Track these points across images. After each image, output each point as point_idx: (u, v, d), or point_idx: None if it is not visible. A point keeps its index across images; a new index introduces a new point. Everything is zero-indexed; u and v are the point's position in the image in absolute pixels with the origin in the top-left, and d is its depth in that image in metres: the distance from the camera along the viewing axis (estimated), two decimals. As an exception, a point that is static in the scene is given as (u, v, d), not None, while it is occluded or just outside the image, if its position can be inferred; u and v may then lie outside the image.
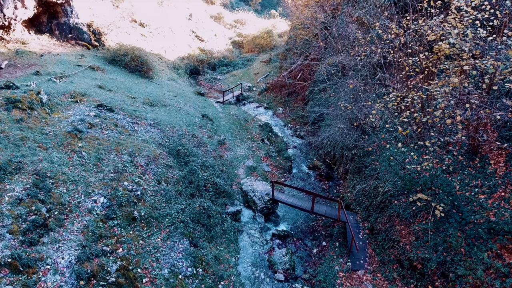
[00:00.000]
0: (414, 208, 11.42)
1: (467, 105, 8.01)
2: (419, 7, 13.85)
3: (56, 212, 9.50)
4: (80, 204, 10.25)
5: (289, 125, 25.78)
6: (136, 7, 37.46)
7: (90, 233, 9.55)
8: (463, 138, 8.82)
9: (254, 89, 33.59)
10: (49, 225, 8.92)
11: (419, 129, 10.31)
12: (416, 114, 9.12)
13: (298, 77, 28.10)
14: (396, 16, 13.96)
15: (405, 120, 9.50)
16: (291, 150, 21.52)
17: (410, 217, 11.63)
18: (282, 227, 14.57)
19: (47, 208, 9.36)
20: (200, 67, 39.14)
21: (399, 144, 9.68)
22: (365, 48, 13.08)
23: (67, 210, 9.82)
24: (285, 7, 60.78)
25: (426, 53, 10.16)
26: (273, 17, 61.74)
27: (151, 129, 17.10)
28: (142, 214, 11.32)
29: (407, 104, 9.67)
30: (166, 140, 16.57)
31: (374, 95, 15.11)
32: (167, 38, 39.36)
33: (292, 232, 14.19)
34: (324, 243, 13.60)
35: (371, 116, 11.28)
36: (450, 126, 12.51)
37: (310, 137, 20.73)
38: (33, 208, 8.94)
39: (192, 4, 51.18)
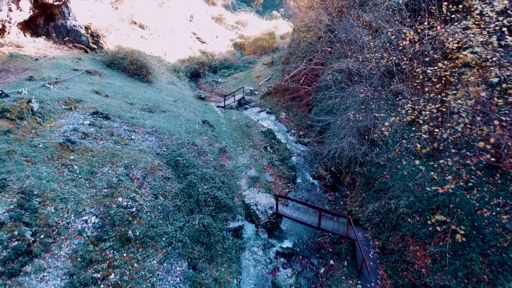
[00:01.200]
0: (430, 228, 10.57)
1: (496, 122, 7.18)
2: (431, 9, 13.04)
3: (42, 236, 8.72)
4: (69, 225, 9.46)
5: (293, 130, 24.97)
6: (136, 9, 36.78)
7: (79, 259, 8.76)
8: (492, 159, 7.96)
9: (256, 92, 32.79)
10: (33, 252, 8.14)
11: (440, 147, 9.49)
12: (437, 130, 8.28)
13: (301, 81, 27.28)
14: (408, 20, 13.13)
15: (424, 136, 8.67)
16: (294, 158, 20.71)
17: (425, 237, 10.80)
18: (287, 243, 13.74)
19: (32, 232, 8.58)
20: (201, 69, 38.39)
21: (417, 161, 8.85)
22: (376, 54, 12.26)
23: (54, 233, 9.03)
24: (287, 8, 60.03)
25: (446, 62, 9.33)
26: (274, 18, 60.95)
27: (149, 137, 16.31)
28: (137, 233, 10.52)
29: (425, 117, 8.83)
30: (165, 149, 15.78)
31: (384, 104, 14.28)
32: (167, 40, 38.64)
33: (297, 249, 13.36)
34: (331, 262, 12.78)
35: (383, 129, 10.44)
36: (466, 138, 11.69)
37: (315, 145, 19.87)
38: (16, 233, 8.15)
39: (193, 5, 50.49)
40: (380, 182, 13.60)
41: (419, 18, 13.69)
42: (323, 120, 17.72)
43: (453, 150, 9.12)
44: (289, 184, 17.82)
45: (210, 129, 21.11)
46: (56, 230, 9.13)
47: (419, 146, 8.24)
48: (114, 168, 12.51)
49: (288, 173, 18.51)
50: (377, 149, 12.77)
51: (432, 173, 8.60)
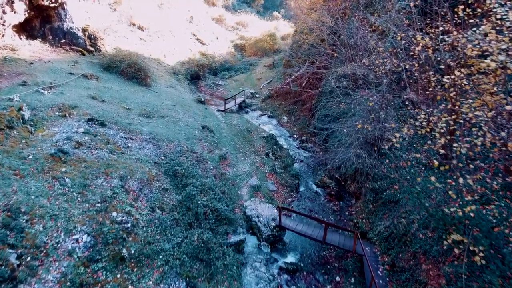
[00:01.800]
0: (444, 246, 9.91)
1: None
2: (441, 12, 12.40)
3: (28, 258, 8.08)
4: (59, 245, 8.82)
5: (295, 135, 24.32)
6: (135, 10, 36.13)
7: (68, 283, 8.13)
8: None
9: (257, 95, 32.15)
10: (18, 277, 7.50)
11: (460, 165, 8.84)
12: (455, 145, 7.64)
13: (304, 84, 26.62)
14: (418, 23, 12.47)
15: (441, 151, 8.04)
16: (297, 164, 20.06)
17: (439, 255, 10.15)
18: (290, 258, 13.10)
19: (17, 254, 7.94)
20: (201, 72, 37.73)
21: (432, 178, 8.20)
22: (386, 60, 11.61)
23: (42, 254, 8.40)
24: (288, 9, 59.42)
25: (462, 70, 8.69)
26: (275, 19, 60.32)
27: (146, 145, 15.67)
28: (132, 252, 9.88)
29: (441, 130, 8.20)
30: (163, 158, 15.13)
31: (391, 110, 13.63)
32: (167, 42, 38.00)
33: (301, 265, 12.71)
34: (337, 278, 12.13)
35: (394, 140, 9.80)
36: (479, 149, 11.03)
37: (319, 154, 19.19)
38: (-1, 257, 7.51)
39: (193, 6, 49.84)
40: (389, 194, 12.94)
41: (428, 21, 13.06)
42: (327, 127, 17.02)
43: (471, 167, 8.45)
44: (292, 193, 17.17)
45: (210, 134, 20.48)
46: (44, 251, 8.49)
47: (436, 163, 7.59)
48: (109, 179, 11.87)
49: (291, 181, 17.86)
50: (387, 161, 12.10)
51: (450, 192, 7.93)
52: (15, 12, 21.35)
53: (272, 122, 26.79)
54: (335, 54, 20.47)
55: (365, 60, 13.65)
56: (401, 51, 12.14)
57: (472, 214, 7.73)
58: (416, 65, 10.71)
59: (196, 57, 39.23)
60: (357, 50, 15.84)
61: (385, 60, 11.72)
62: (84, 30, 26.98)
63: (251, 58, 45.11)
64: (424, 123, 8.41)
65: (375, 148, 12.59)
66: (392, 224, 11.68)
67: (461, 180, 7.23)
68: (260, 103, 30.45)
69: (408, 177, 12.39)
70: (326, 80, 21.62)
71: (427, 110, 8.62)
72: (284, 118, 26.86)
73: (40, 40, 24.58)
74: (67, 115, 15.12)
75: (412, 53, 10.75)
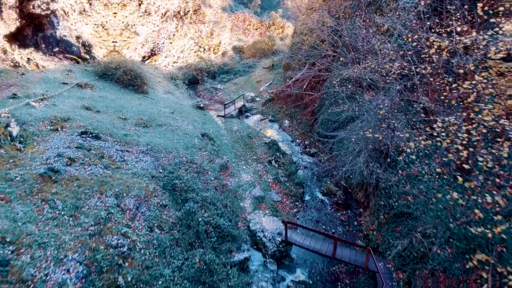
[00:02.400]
0: (466, 265, 9.15)
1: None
2: (451, 10, 11.66)
3: (13, 296, 7.35)
4: (48, 278, 8.09)
5: (298, 140, 23.57)
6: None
7: (58, 321, 7.40)
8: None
9: (257, 99, 31.41)
10: (0, 319, 6.77)
11: (489, 181, 8.11)
12: (480, 159, 6.90)
13: (305, 86, 25.87)
14: (428, 23, 11.72)
15: (466, 166, 7.30)
16: (301, 171, 19.31)
17: (460, 274, 9.38)
18: (299, 275, 12.36)
19: (1, 292, 7.22)
20: (199, 76, 37.01)
21: (455, 194, 7.46)
22: (395, 64, 10.87)
23: (29, 289, 7.67)
24: (285, 9, 58.72)
25: (483, 74, 7.95)
26: (273, 19, 59.49)
27: (143, 157, 14.95)
28: (129, 279, 9.15)
29: (463, 141, 7.46)
30: (161, 171, 14.41)
31: (404, 117, 12.88)
32: (163, 46, 37.26)
33: (310, 282, 11.96)
34: (349, 297, 11.39)
35: (408, 150, 9.06)
36: (505, 162, 10.28)
37: (325, 161, 18.38)
38: (-21, 298, 6.79)
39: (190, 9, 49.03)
40: (401, 205, 12.18)
41: (438, 21, 12.31)
42: (332, 135, 16.25)
43: (497, 180, 7.71)
44: (297, 203, 16.42)
45: (210, 142, 19.75)
46: (32, 286, 7.76)
47: (460, 179, 6.85)
48: (103, 198, 11.14)
49: (295, 190, 17.11)
50: (399, 171, 11.34)
51: (476, 210, 7.18)
52: (4, 22, 20.67)
53: (274, 126, 26.08)
54: (341, 58, 19.67)
55: (371, 63, 12.90)
56: (410, 53, 11.39)
57: (503, 236, 6.96)
58: (429, 68, 9.95)
59: (194, 61, 38.52)
60: (360, 52, 15.08)
61: (394, 63, 10.97)
62: (77, 38, 26.29)
63: (249, 60, 44.39)
64: (443, 133, 7.66)
65: (388, 159, 11.83)
66: (408, 239, 10.92)
67: (489, 198, 6.49)
68: (261, 106, 29.73)
69: (420, 186, 11.66)
70: (329, 83, 20.87)
71: (447, 119, 7.88)
72: (285, 122, 26.12)
73: (32, 49, 23.89)
74: (59, 129, 14.42)
75: (424, 55, 10.00)
